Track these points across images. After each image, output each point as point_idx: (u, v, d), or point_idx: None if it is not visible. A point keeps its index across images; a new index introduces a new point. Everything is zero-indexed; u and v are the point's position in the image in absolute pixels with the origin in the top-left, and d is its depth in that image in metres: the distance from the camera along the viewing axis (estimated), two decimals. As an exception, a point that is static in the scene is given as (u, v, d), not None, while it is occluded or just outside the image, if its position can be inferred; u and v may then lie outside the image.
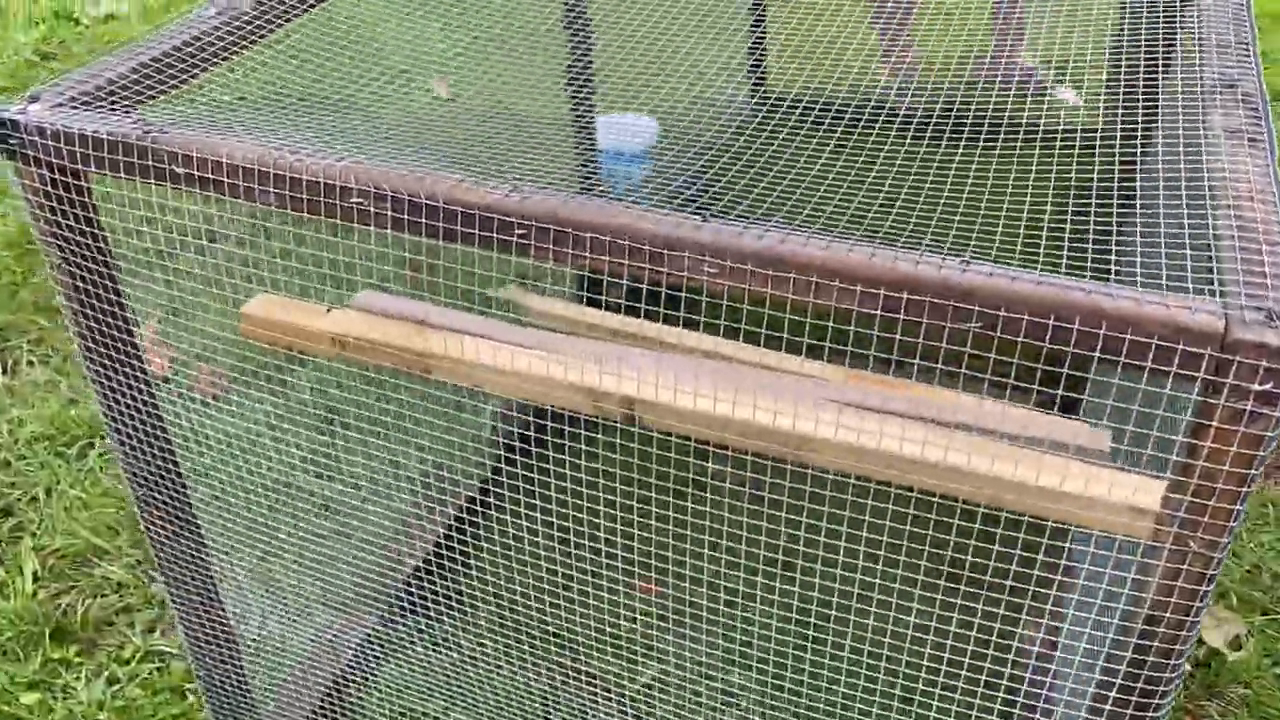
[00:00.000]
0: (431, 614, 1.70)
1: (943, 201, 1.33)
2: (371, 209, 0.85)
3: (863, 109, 1.77)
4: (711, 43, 1.94)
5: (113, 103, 1.00)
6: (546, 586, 1.75)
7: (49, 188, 0.98)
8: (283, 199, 0.87)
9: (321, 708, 1.59)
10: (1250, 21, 1.13)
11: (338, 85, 1.32)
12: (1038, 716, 1.52)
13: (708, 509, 1.74)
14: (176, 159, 0.89)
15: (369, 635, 1.68)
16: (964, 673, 1.48)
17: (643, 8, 1.86)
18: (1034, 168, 1.66)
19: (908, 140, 1.69)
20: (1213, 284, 0.71)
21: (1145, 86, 1.27)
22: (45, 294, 2.56)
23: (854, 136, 1.70)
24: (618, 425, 1.23)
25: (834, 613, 1.66)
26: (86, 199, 1.00)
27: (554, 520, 1.87)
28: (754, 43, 2.92)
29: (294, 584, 1.57)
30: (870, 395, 1.14)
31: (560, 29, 1.93)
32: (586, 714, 1.64)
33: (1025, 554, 1.37)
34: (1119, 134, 1.19)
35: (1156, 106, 1.17)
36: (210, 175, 0.89)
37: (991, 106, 1.91)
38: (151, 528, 1.23)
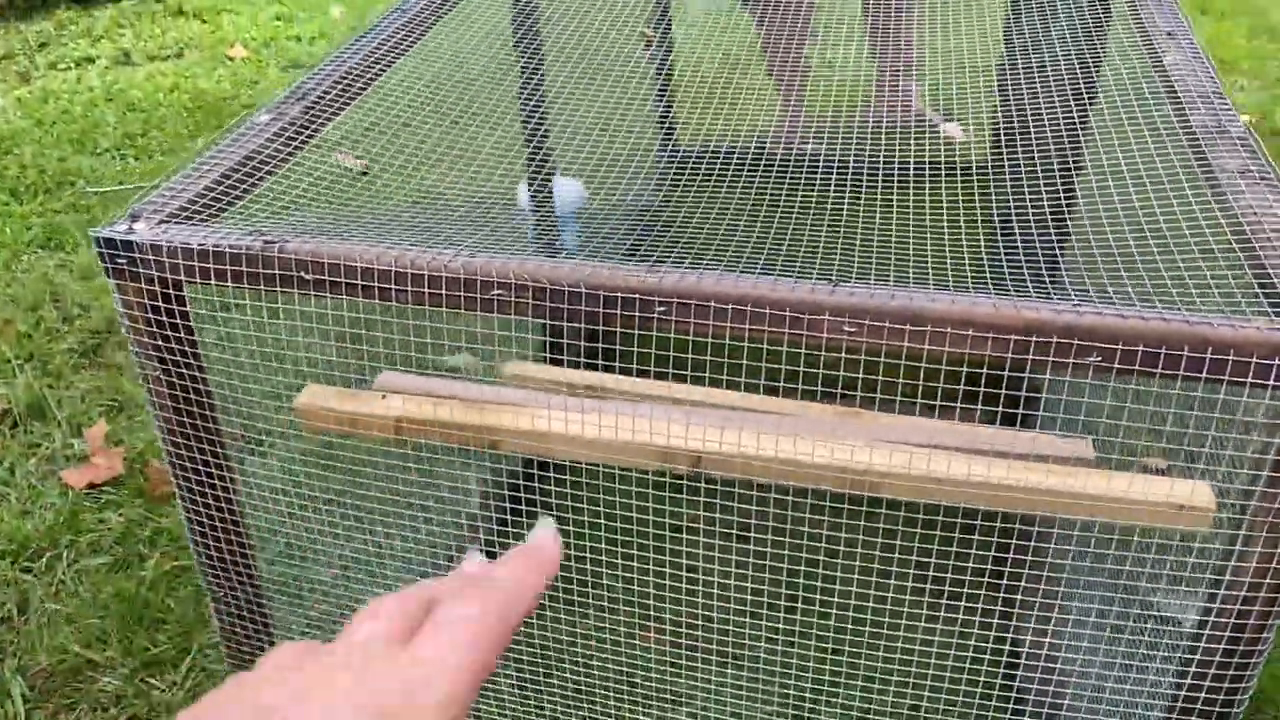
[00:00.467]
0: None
1: (860, 238, 1.46)
2: (512, 299, 0.91)
3: (763, 156, 1.91)
4: (624, 104, 2.05)
5: (202, 216, 1.03)
6: (562, 642, 1.80)
7: (158, 303, 1.00)
8: (420, 296, 0.92)
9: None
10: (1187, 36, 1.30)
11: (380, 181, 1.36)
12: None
13: (700, 550, 1.82)
14: (305, 266, 0.94)
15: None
16: (964, 677, 1.59)
17: (569, 75, 1.95)
18: (952, 200, 1.82)
19: (816, 184, 1.84)
20: (1242, 307, 0.84)
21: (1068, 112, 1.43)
22: (-25, 404, 2.46)
23: (763, 182, 1.84)
24: (598, 468, 1.31)
25: (847, 634, 1.76)
26: (187, 311, 1.03)
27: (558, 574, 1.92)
28: (662, 101, 3.05)
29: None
30: (894, 429, 1.26)
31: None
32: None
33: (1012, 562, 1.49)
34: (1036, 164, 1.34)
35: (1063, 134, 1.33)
36: (342, 279, 0.93)
37: (885, 148, 2.08)
38: (226, 625, 1.24)
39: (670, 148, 3.13)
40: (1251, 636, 0.96)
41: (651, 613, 1.89)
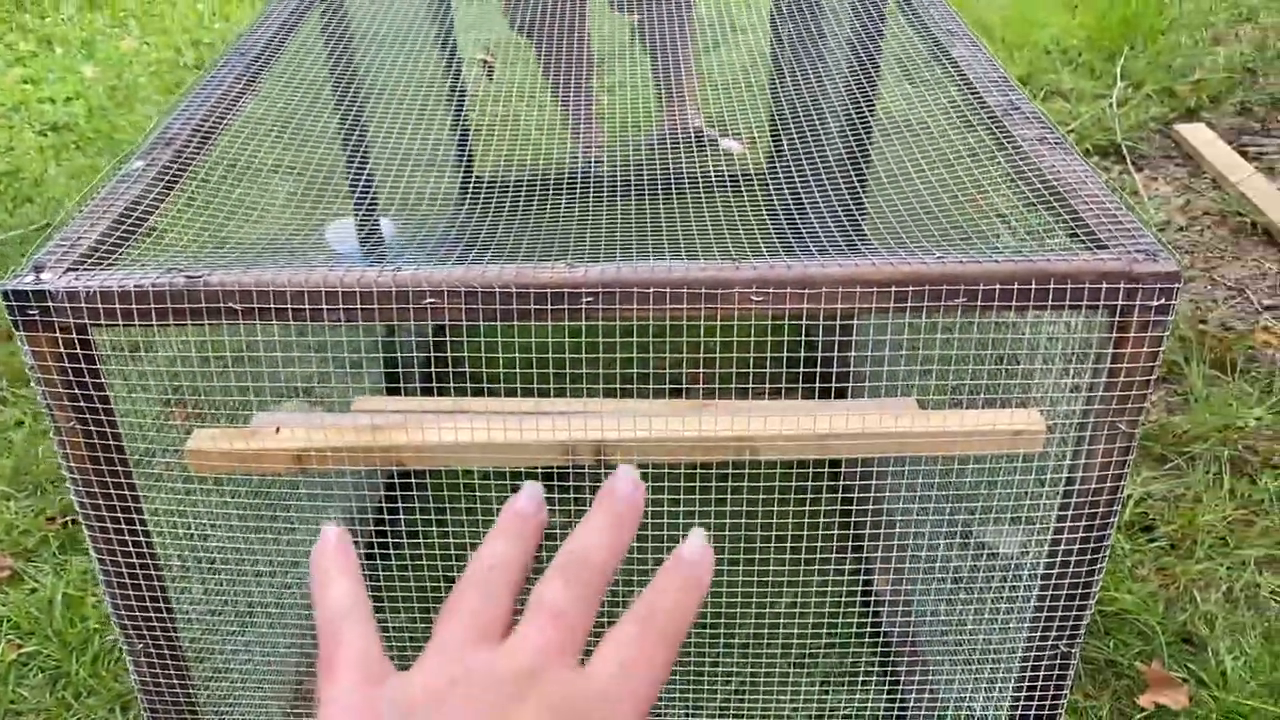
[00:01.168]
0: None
1: (657, 247, 1.61)
2: (445, 305, 0.97)
3: (561, 179, 2.05)
4: (422, 137, 2.12)
5: (101, 263, 1.04)
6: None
7: (68, 350, 1.00)
8: (353, 314, 0.97)
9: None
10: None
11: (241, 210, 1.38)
12: (906, 656, 1.82)
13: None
14: (233, 296, 0.96)
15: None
16: (837, 630, 1.74)
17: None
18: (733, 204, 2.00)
19: (605, 200, 1.98)
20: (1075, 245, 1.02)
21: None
22: None
23: (558, 201, 1.96)
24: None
25: (721, 607, 1.88)
26: (95, 357, 1.03)
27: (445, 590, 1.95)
28: (459, 133, 3.12)
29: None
30: (800, 409, 1.39)
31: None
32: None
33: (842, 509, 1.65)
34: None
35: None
36: (271, 305, 0.97)
37: (673, 164, 2.26)
38: (146, 678, 1.22)
39: (470, 176, 3.20)
40: (1095, 548, 1.14)
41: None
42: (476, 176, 3.24)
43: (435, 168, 2.60)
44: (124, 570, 1.12)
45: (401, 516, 2.01)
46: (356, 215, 2.37)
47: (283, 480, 1.68)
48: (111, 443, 1.06)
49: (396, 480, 2.10)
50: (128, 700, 1.86)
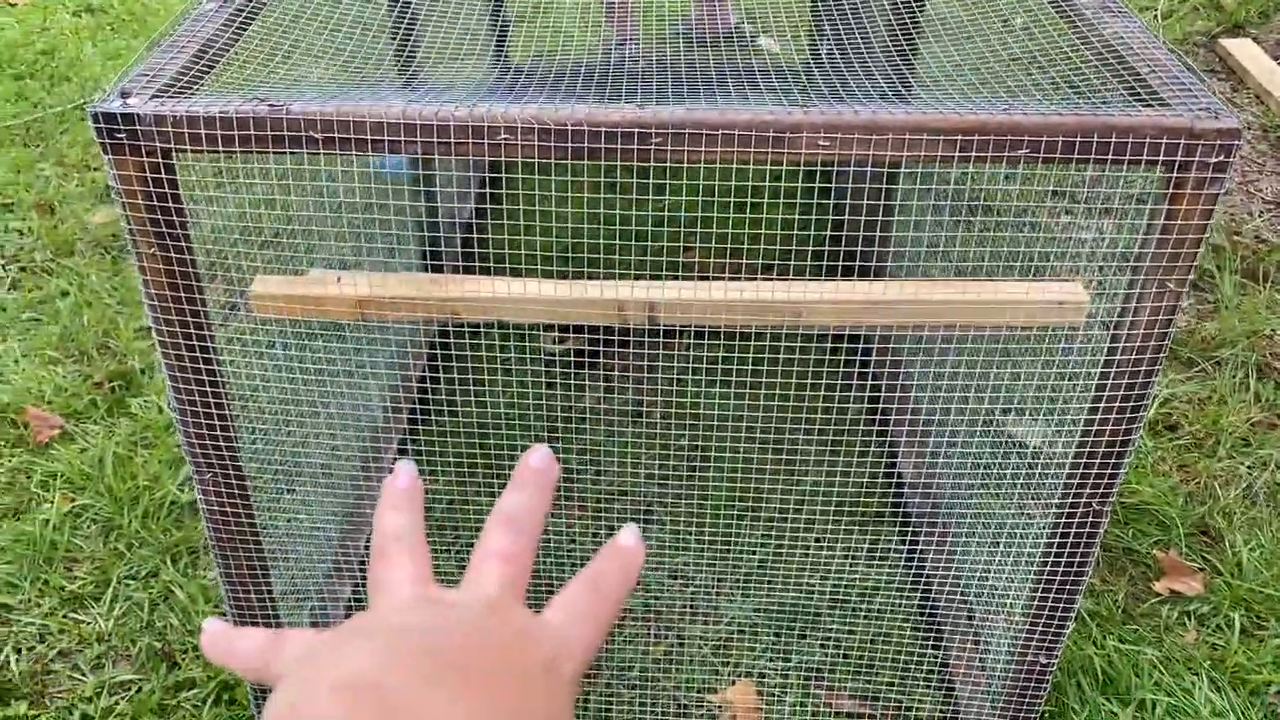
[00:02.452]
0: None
1: None
2: (518, 141, 1.00)
3: (593, 72, 2.04)
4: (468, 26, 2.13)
5: (183, 90, 1.06)
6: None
7: (153, 174, 1.03)
8: (429, 146, 1.00)
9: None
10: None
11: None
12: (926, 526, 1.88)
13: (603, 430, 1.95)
14: (314, 125, 0.99)
15: (350, 601, 1.75)
16: (858, 506, 1.79)
17: None
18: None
19: (638, 95, 1.98)
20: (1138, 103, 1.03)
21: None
22: None
23: (589, 96, 1.96)
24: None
25: (751, 484, 1.93)
26: (177, 182, 1.06)
27: (483, 460, 2.01)
28: (496, 21, 3.10)
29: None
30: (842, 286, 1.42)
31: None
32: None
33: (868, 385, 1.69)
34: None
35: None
36: (351, 135, 1.00)
37: (712, 60, 2.25)
38: (213, 509, 1.28)
39: (503, 65, 3.19)
40: (1135, 407, 1.18)
41: (576, 489, 2.01)
42: (514, 68, 3.23)
43: (474, 57, 2.60)
44: (195, 396, 1.17)
45: (442, 387, 2.06)
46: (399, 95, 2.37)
47: (330, 344, 1.73)
48: (189, 268, 1.10)
49: (438, 350, 2.15)
50: (177, 552, 1.94)
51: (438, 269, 2.37)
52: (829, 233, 2.46)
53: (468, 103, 1.02)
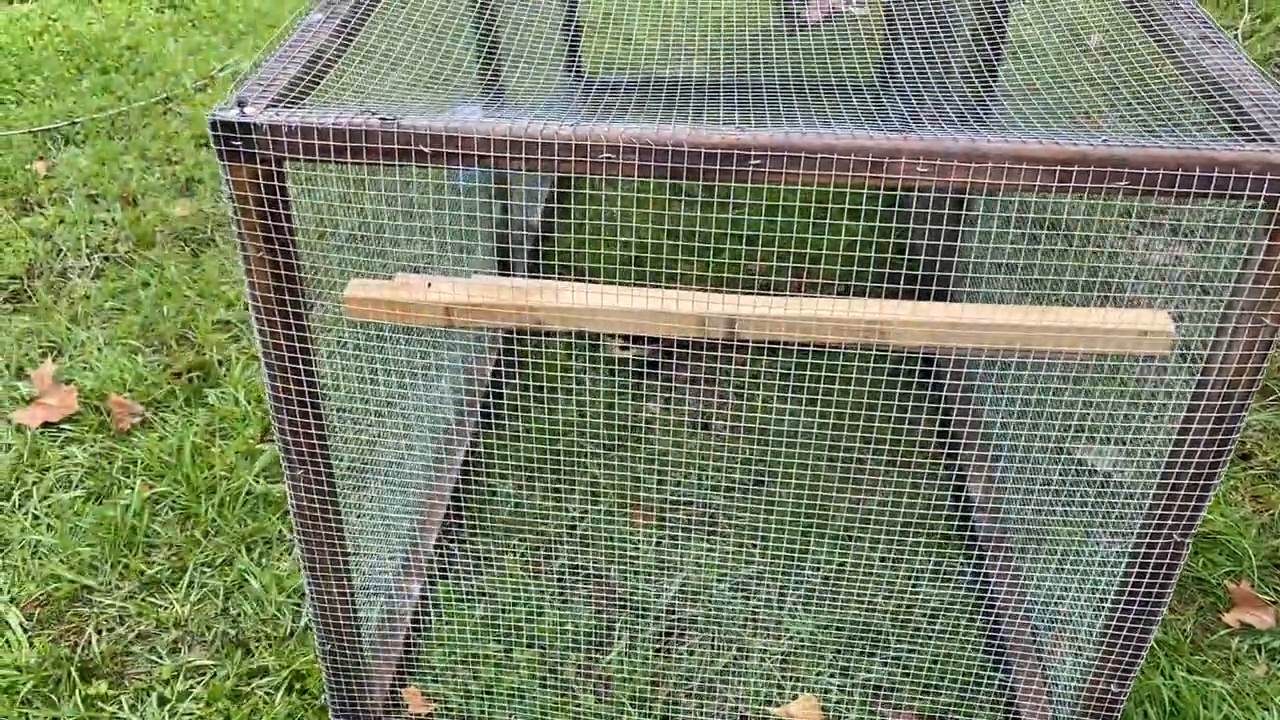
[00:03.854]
0: (468, 569, 1.83)
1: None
2: (620, 161, 1.02)
3: (676, 83, 2.06)
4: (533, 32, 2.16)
5: (295, 100, 1.10)
6: (560, 527, 1.92)
7: (266, 182, 1.06)
8: (533, 163, 1.02)
9: (402, 664, 1.69)
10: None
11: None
12: (992, 550, 1.87)
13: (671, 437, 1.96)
14: (424, 140, 1.02)
15: (422, 596, 1.79)
16: (925, 526, 1.79)
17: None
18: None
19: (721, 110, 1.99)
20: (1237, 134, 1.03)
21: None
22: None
23: (672, 111, 1.98)
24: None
25: (817, 499, 1.94)
26: (288, 188, 1.10)
27: (553, 466, 2.04)
28: (569, 28, 3.13)
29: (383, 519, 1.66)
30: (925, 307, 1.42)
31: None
32: (629, 632, 1.83)
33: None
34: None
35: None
36: (459, 150, 1.02)
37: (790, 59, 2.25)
38: (293, 465, 1.30)
39: (575, 75, 3.23)
40: (1223, 439, 1.17)
41: (641, 495, 2.03)
42: (586, 75, 3.26)
43: (548, 63, 2.64)
44: (293, 395, 1.21)
45: (504, 393, 2.09)
46: (482, 104, 2.42)
47: (403, 345, 1.77)
48: (295, 272, 1.13)
49: (502, 356, 2.18)
50: (252, 542, 1.98)
51: (507, 275, 2.40)
52: (899, 251, 2.45)
53: (560, 119, 1.04)
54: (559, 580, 1.89)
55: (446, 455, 1.97)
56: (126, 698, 1.74)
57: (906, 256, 2.38)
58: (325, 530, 1.33)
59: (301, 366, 1.19)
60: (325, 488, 1.29)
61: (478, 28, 2.11)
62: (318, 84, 1.14)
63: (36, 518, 2.04)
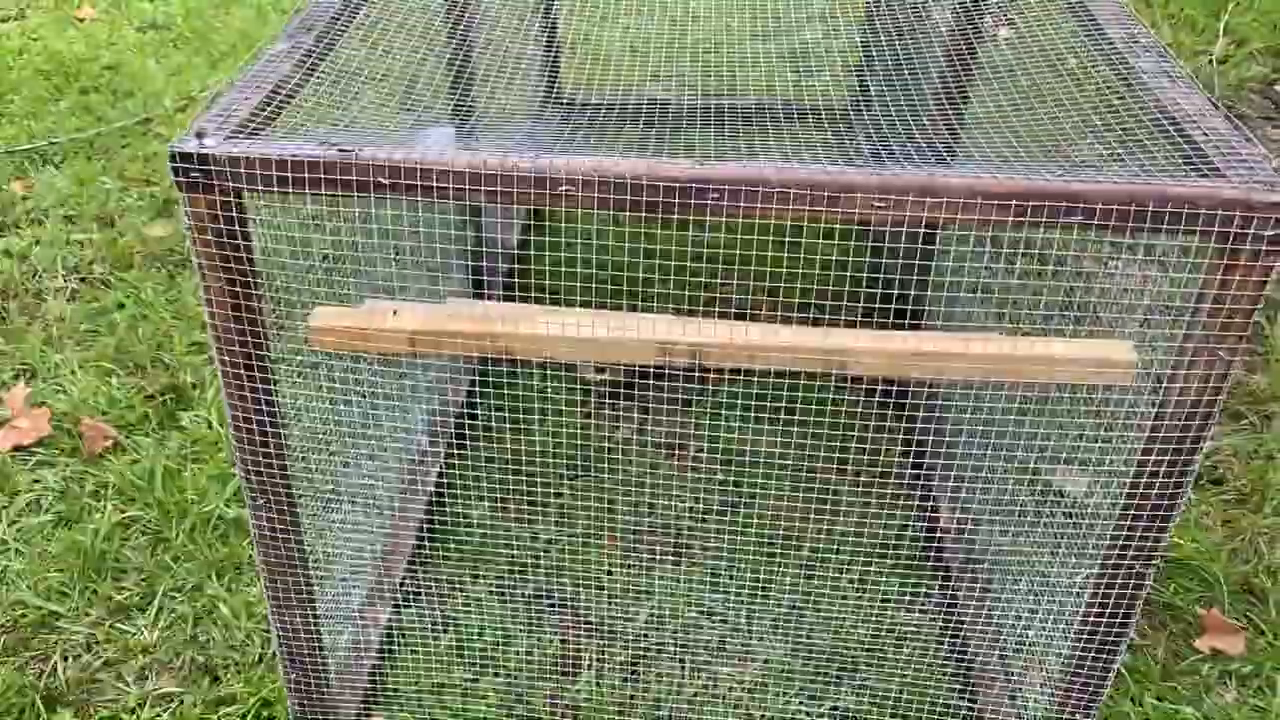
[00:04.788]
0: (435, 595, 1.82)
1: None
2: (579, 194, 1.02)
3: (654, 107, 2.07)
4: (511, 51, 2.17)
5: (256, 130, 1.10)
6: (532, 550, 1.92)
7: (224, 213, 1.06)
8: (492, 194, 1.02)
9: (368, 693, 1.68)
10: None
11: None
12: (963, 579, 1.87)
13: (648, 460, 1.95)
14: (383, 171, 1.02)
15: (389, 623, 1.78)
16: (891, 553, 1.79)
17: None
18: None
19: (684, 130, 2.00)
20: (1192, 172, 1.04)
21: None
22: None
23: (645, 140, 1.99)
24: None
25: (780, 527, 1.94)
26: (246, 221, 1.09)
27: (522, 492, 2.03)
28: (548, 49, 3.14)
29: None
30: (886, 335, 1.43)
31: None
32: (599, 659, 1.82)
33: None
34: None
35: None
36: (417, 182, 1.02)
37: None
38: (254, 495, 1.30)
39: (554, 97, 3.23)
40: (1180, 473, 1.18)
41: (611, 521, 2.03)
42: (564, 96, 3.26)
43: (526, 85, 2.64)
44: (254, 425, 1.20)
45: (479, 413, 2.09)
46: (455, 123, 2.42)
47: (375, 367, 1.76)
48: (254, 302, 1.13)
49: (477, 379, 2.18)
50: (222, 567, 1.97)
51: (482, 296, 2.40)
52: (869, 271, 2.46)
53: (527, 148, 1.04)
54: (528, 607, 1.88)
55: (418, 480, 1.96)
56: (92, 726, 1.73)
57: (881, 276, 2.39)
58: (288, 560, 1.33)
59: (262, 397, 1.18)
60: (287, 518, 1.28)
61: (451, 49, 2.11)
62: (279, 113, 1.14)
63: (4, 543, 2.02)
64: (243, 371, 1.16)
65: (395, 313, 1.39)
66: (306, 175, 1.03)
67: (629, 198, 1.02)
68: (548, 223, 2.78)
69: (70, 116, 3.38)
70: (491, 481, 2.05)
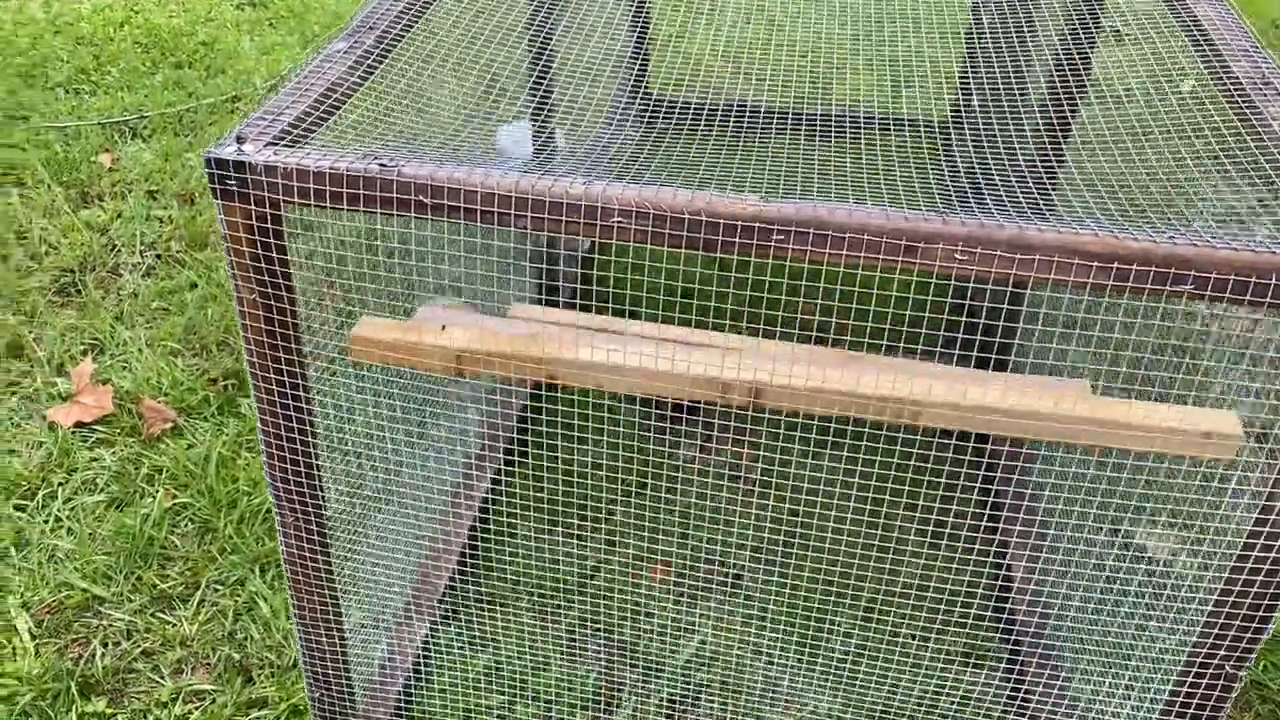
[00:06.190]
0: (474, 614, 1.77)
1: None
2: (632, 226, 0.94)
3: (744, 110, 1.97)
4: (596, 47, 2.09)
5: (301, 137, 1.04)
6: (577, 576, 1.85)
7: (259, 224, 1.01)
8: (540, 221, 0.95)
9: (396, 712, 1.63)
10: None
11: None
12: (1029, 643, 1.75)
13: (707, 487, 1.87)
14: (425, 190, 0.95)
15: (426, 640, 1.72)
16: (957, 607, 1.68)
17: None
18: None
19: (776, 136, 1.90)
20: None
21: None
22: (-52, 341, 2.40)
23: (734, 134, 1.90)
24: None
25: (838, 565, 1.84)
26: (283, 232, 1.04)
27: (574, 510, 1.97)
28: (636, 47, 3.06)
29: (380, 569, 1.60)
30: (971, 376, 1.32)
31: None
32: (640, 693, 1.75)
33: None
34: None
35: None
36: (460, 204, 0.95)
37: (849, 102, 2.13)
38: (283, 512, 1.25)
39: (642, 94, 3.15)
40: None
41: (660, 549, 1.95)
42: (654, 95, 3.18)
43: (612, 80, 2.57)
44: (284, 442, 1.15)
45: (543, 428, 2.03)
46: (534, 120, 2.36)
47: (430, 379, 1.70)
48: (289, 319, 1.07)
49: (543, 392, 2.12)
50: (266, 563, 1.94)
51: (555, 303, 2.34)
52: (953, 296, 2.34)
53: (589, 165, 0.96)
54: (569, 632, 1.81)
55: (466, 490, 1.91)
56: (123, 717, 1.71)
57: (966, 303, 2.27)
58: (315, 579, 1.27)
59: (294, 415, 1.13)
60: (316, 537, 1.23)
61: (533, 43, 2.04)
62: (327, 118, 1.08)
63: (59, 520, 2.03)
64: (274, 389, 1.11)
65: (444, 328, 1.33)
66: (345, 190, 0.96)
67: (685, 234, 0.94)
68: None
69: (163, 91, 3.41)
70: (540, 497, 1.99)
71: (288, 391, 1.11)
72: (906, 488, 1.87)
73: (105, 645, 1.82)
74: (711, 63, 2.51)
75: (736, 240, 0.94)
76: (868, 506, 1.88)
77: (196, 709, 1.72)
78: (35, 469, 2.12)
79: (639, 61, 3.06)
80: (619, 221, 0.94)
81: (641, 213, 0.94)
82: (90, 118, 3.25)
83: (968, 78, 2.65)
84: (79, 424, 2.21)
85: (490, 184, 0.95)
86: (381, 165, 0.96)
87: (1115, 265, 0.89)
